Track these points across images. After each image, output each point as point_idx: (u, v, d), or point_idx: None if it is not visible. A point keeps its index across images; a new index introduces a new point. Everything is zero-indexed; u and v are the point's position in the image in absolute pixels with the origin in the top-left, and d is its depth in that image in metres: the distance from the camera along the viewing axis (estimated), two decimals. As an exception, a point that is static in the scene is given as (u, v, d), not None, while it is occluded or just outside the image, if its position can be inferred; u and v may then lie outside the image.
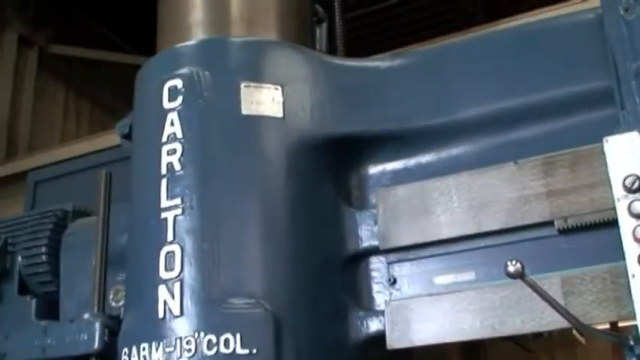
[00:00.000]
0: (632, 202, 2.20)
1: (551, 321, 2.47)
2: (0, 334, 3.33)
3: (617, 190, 2.25)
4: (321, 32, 3.51)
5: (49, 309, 3.49)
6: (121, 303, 3.21)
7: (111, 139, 6.31)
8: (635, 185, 2.20)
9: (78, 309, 3.33)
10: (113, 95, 9.21)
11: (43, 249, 3.53)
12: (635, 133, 2.27)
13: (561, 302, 2.42)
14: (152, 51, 3.31)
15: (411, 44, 5.55)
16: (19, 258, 3.57)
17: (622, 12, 2.38)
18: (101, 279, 3.04)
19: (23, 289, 3.57)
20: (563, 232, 2.59)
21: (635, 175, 2.21)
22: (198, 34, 3.14)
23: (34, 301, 3.46)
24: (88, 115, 9.03)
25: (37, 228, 3.58)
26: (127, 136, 3.24)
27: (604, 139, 2.31)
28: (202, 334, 2.56)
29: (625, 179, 2.23)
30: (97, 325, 2.96)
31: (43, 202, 4.47)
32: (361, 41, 7.87)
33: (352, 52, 3.69)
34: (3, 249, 3.57)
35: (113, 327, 2.96)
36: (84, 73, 9.04)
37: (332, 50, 3.54)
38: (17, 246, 3.59)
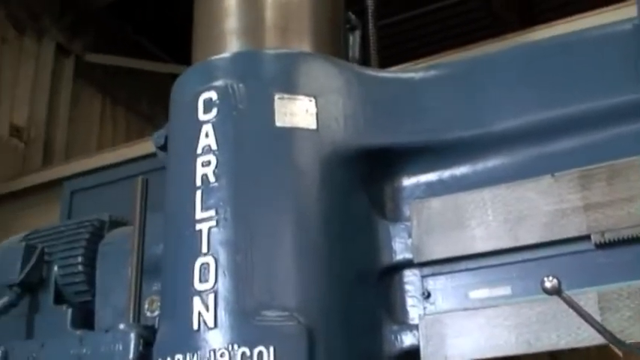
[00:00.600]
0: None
1: (587, 337, 2.43)
2: (35, 342, 3.35)
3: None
4: (354, 39, 3.53)
5: (85, 318, 3.53)
6: (156, 313, 3.24)
7: (147, 146, 6.41)
8: (674, 201, 2.16)
9: (113, 319, 3.36)
10: (150, 104, 9.33)
11: (80, 259, 3.56)
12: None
13: (598, 318, 2.39)
14: (189, 60, 3.35)
15: (444, 52, 5.54)
16: (56, 268, 3.61)
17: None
18: (137, 289, 3.06)
19: (59, 299, 3.61)
20: (601, 246, 2.55)
21: (674, 190, 2.17)
22: (232, 42, 3.17)
23: (69, 311, 3.50)
24: (125, 123, 9.16)
25: (74, 238, 3.62)
26: (163, 147, 3.27)
27: (643, 154, 2.27)
28: (236, 346, 2.56)
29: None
30: (132, 336, 2.95)
31: (79, 212, 4.55)
32: (394, 49, 7.88)
33: (385, 60, 3.69)
34: (39, 258, 3.61)
35: (148, 337, 2.96)
36: (121, 82, 9.17)
37: (365, 58, 3.55)
38: (54, 255, 3.64)
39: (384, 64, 3.65)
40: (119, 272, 3.41)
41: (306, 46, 3.17)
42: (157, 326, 3.08)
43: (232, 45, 3.17)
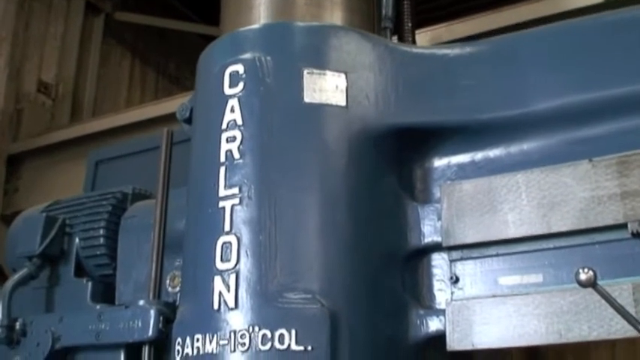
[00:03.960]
0: None
1: (620, 328, 2.42)
2: (54, 316, 3.41)
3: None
4: None
5: (105, 292, 3.59)
6: (178, 289, 3.27)
7: (173, 105, 6.49)
8: None
9: (134, 293, 3.42)
10: (177, 66, 9.40)
11: (101, 231, 3.61)
12: None
13: (631, 310, 2.37)
14: (218, 21, 3.32)
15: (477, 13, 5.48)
16: (77, 240, 3.67)
17: None
18: (158, 264, 3.09)
19: (79, 271, 3.67)
20: (637, 235, 2.52)
21: None
22: (262, 11, 3.16)
23: (90, 284, 3.56)
24: (153, 83, 9.25)
25: (96, 210, 3.67)
26: (187, 120, 3.27)
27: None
28: (257, 328, 2.59)
29: None
30: (152, 313, 2.99)
31: (104, 182, 4.57)
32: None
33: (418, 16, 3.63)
34: (60, 230, 3.65)
35: (169, 314, 3.00)
36: (150, 42, 9.26)
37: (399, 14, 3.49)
38: (75, 227, 3.69)
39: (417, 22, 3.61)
40: (141, 246, 3.47)
41: (338, 11, 3.15)
42: (177, 302, 3.11)
43: (262, 14, 3.15)
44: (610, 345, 4.56)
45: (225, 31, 3.26)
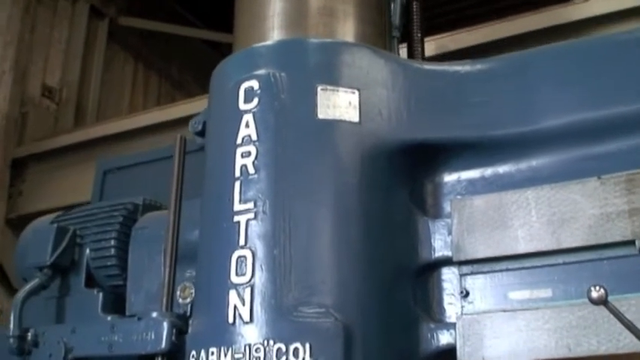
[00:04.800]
0: None
1: (628, 343, 2.50)
2: (66, 327, 3.47)
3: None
4: (395, 8, 3.53)
5: (116, 303, 3.66)
6: (188, 300, 3.31)
7: (177, 110, 6.61)
8: None
9: (145, 304, 3.48)
10: (181, 70, 9.51)
11: (112, 242, 3.68)
12: None
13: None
14: (221, 27, 3.38)
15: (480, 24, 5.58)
16: (88, 250, 3.74)
17: None
18: (171, 275, 3.14)
19: (90, 282, 3.74)
20: (645, 252, 2.61)
21: None
22: (275, 27, 3.23)
23: (100, 295, 3.64)
24: (156, 88, 9.40)
25: (107, 221, 3.74)
26: (200, 133, 3.34)
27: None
28: (272, 342, 2.66)
29: None
30: (165, 325, 3.04)
31: (112, 191, 4.64)
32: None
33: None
34: (71, 241, 3.72)
35: (181, 326, 3.06)
36: (153, 47, 9.40)
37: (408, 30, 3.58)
38: (86, 238, 3.77)
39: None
40: (152, 257, 3.54)
41: (350, 22, 3.24)
42: (188, 313, 3.18)
43: (276, 24, 3.23)
44: None
45: (238, 40, 3.35)
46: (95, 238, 3.73)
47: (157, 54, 9.44)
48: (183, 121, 6.25)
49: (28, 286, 3.63)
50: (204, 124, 3.33)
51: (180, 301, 3.37)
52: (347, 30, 3.25)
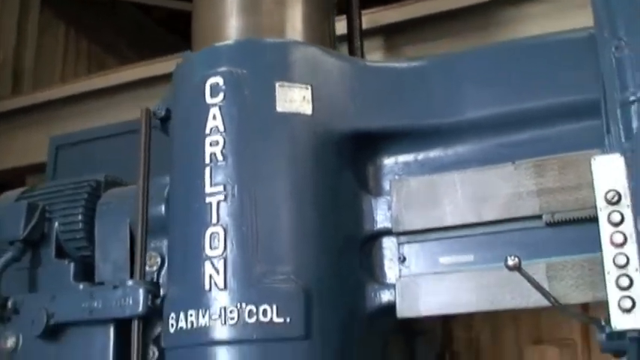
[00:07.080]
0: (611, 212, 2.75)
1: (536, 299, 3.05)
2: (46, 295, 3.89)
3: (600, 202, 2.78)
4: None
5: (84, 271, 4.08)
6: (155, 268, 3.81)
7: (108, 78, 6.88)
8: (615, 199, 2.75)
9: (113, 273, 3.92)
10: (112, 34, 9.68)
11: (80, 217, 4.08)
12: (617, 155, 2.82)
13: (545, 285, 3.04)
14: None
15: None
16: (56, 224, 4.14)
17: (613, 49, 2.96)
18: (143, 247, 3.60)
19: (59, 253, 4.15)
20: (550, 225, 3.21)
21: (615, 190, 2.76)
22: (233, 25, 3.74)
23: (72, 265, 4.05)
24: (86, 52, 9.53)
25: (73, 197, 4.15)
26: (164, 119, 3.81)
27: (592, 158, 2.85)
28: (244, 304, 3.19)
29: (607, 193, 2.77)
30: (142, 291, 3.55)
31: (64, 166, 5.04)
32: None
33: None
34: (42, 215, 4.15)
35: (155, 292, 3.59)
36: (84, 10, 9.50)
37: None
38: (54, 213, 4.16)
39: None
40: (117, 230, 4.00)
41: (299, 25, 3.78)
42: (155, 279, 3.71)
43: (233, 29, 3.73)
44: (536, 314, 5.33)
45: (199, 43, 3.83)
46: (63, 213, 4.12)
47: (87, 17, 9.55)
48: (113, 89, 6.64)
49: (2, 259, 4.01)
50: (168, 110, 3.79)
51: (148, 268, 3.86)
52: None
